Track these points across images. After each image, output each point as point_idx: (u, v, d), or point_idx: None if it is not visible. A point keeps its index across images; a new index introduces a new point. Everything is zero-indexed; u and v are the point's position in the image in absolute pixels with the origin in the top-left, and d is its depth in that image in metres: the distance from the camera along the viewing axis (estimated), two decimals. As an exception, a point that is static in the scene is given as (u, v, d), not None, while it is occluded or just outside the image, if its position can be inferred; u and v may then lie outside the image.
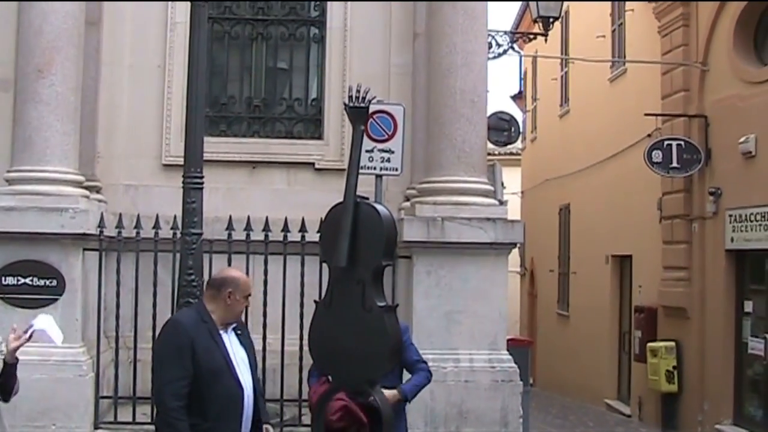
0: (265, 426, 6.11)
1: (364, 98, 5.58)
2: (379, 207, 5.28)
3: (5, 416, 6.47)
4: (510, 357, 10.07)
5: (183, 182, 6.74)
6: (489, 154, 11.64)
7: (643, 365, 17.25)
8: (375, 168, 9.92)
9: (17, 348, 5.79)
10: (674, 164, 16.12)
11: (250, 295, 5.96)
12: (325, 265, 6.47)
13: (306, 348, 8.34)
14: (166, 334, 5.94)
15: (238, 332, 6.04)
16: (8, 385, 5.85)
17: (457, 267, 9.93)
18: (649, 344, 16.96)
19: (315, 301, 5.53)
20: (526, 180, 29.21)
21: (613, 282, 20.47)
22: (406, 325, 6.90)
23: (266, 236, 9.92)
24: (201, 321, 5.85)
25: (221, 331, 5.91)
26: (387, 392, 5.83)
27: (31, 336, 5.73)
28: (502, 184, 12.62)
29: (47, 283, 9.74)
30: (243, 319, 7.04)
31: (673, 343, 16.61)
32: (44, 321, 6.28)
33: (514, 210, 18.50)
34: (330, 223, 5.36)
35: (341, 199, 5.52)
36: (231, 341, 5.94)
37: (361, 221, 5.17)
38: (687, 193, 16.57)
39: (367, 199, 5.37)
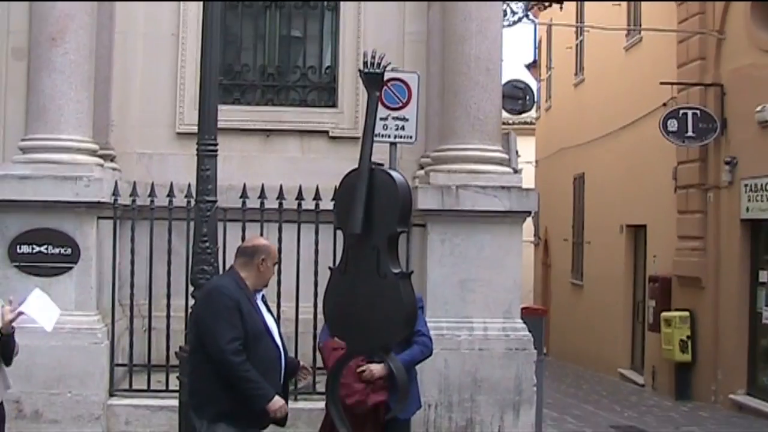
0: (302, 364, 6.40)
1: (379, 64, 5.55)
2: (394, 173, 5.25)
3: (9, 375, 6.53)
4: (524, 325, 10.07)
5: (197, 149, 6.73)
6: (503, 123, 11.58)
7: (657, 335, 17.24)
8: (389, 136, 9.90)
9: (12, 320, 5.85)
10: (690, 133, 16.05)
11: (277, 262, 6.11)
12: (339, 232, 6.46)
13: (320, 316, 8.37)
14: (212, 299, 5.96)
15: (264, 299, 6.16)
16: (7, 351, 5.92)
17: (471, 235, 9.91)
18: (663, 314, 16.95)
19: (330, 268, 5.53)
20: (540, 149, 29.12)
21: (627, 251, 20.44)
22: (419, 296, 6.89)
23: (280, 204, 9.91)
24: (239, 287, 5.92)
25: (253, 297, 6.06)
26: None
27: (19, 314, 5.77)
28: (517, 152, 12.56)
29: (62, 251, 9.76)
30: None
31: (687, 313, 16.59)
32: (35, 303, 6.29)
33: (528, 179, 18.49)
34: (345, 190, 5.34)
35: (355, 167, 5.49)
36: (261, 307, 6.08)
37: (376, 188, 5.15)
38: (702, 162, 16.50)
39: (382, 165, 5.35)
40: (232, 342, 5.78)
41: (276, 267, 6.06)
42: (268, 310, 6.18)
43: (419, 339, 6.72)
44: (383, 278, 5.07)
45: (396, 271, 5.07)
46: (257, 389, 5.81)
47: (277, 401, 5.85)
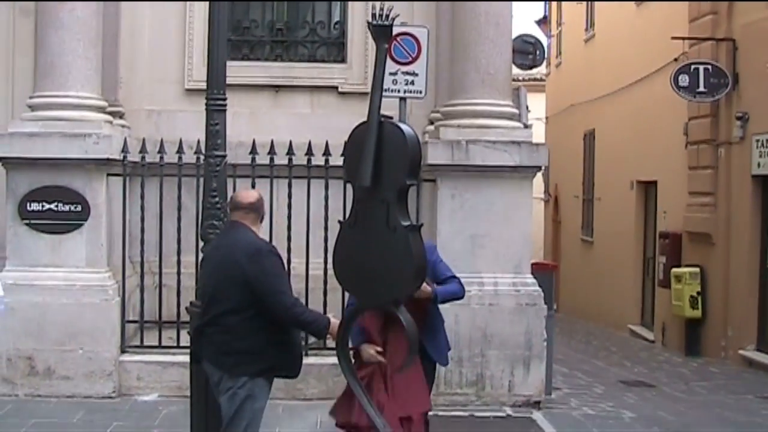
0: None
1: (387, 16, 5.50)
2: (403, 126, 5.22)
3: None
4: (534, 281, 10.08)
5: (206, 104, 6.69)
6: (514, 79, 11.52)
7: (667, 291, 17.23)
8: (399, 91, 9.87)
9: None
10: (701, 89, 15.95)
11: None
12: (349, 188, 6.43)
13: (330, 272, 8.37)
14: (264, 259, 5.94)
15: None
16: None
17: (481, 190, 9.90)
18: (674, 270, 16.93)
19: (339, 222, 5.50)
20: (550, 106, 29.01)
21: (637, 208, 20.39)
22: (433, 245, 6.89)
23: (290, 160, 9.89)
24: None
25: None
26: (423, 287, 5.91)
27: None
28: (527, 107, 12.52)
29: (72, 208, 9.79)
30: (268, 241, 7.06)
31: (697, 269, 16.57)
32: None
33: (538, 136, 18.37)
34: (354, 143, 5.31)
35: (365, 120, 5.46)
36: None
37: (385, 140, 5.12)
38: (713, 117, 16.41)
39: (391, 118, 5.32)
40: (293, 297, 5.95)
41: None
42: None
43: (456, 280, 6.73)
44: (393, 231, 5.05)
45: (406, 223, 5.04)
46: (320, 323, 6.00)
47: (335, 323, 6.01)
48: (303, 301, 9.46)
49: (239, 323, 5.86)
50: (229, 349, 5.90)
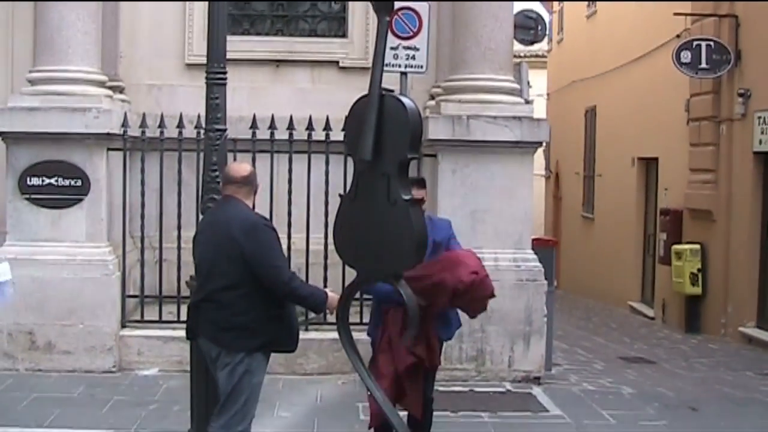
0: None
1: (389, -12, 5.45)
2: (404, 99, 5.19)
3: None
4: (535, 256, 10.07)
5: (206, 78, 6.66)
6: (515, 56, 11.49)
7: (668, 268, 17.24)
8: (400, 66, 9.84)
9: None
10: (703, 65, 15.90)
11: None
12: (350, 163, 6.41)
13: (331, 247, 8.36)
14: (261, 233, 5.89)
15: None
16: None
17: (482, 165, 9.88)
18: (674, 247, 16.93)
19: (340, 195, 5.48)
20: (552, 82, 28.93)
21: (638, 184, 20.37)
22: (448, 220, 7.00)
23: (290, 135, 9.88)
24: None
25: None
26: None
27: None
28: (528, 83, 12.49)
29: (72, 183, 9.78)
30: (268, 216, 7.04)
31: (698, 246, 16.57)
32: None
33: (539, 113, 18.36)
34: (355, 116, 5.28)
35: (366, 93, 5.43)
36: None
37: (387, 114, 5.09)
38: (715, 94, 16.36)
39: (393, 91, 5.28)
40: (285, 266, 5.94)
41: None
42: None
43: None
44: (393, 205, 5.04)
45: (406, 197, 5.03)
46: (317, 297, 5.98)
47: (332, 297, 6.01)
48: (303, 276, 9.50)
49: (236, 299, 5.84)
50: (226, 324, 5.88)
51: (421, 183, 6.61)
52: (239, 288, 5.82)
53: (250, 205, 6.00)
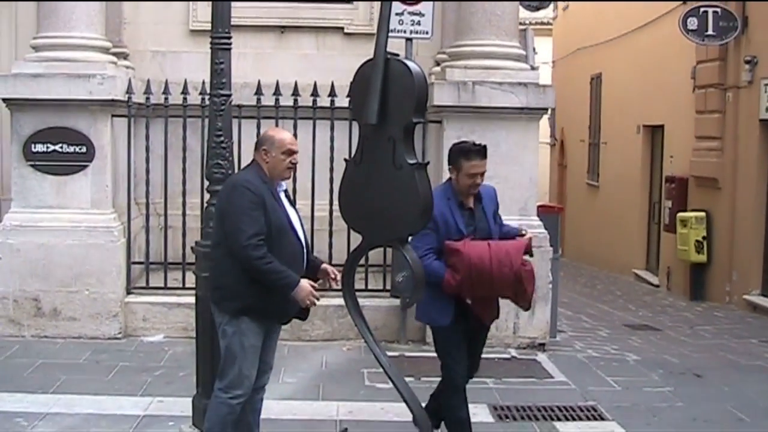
0: (323, 266, 6.20)
1: (394, -46, 5.42)
2: (409, 63, 5.16)
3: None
4: (540, 223, 10.06)
5: (211, 43, 6.61)
6: (520, 23, 11.41)
7: (673, 235, 17.21)
8: (405, 31, 9.79)
9: None
10: (710, 32, 15.81)
11: (292, 152, 5.84)
12: (354, 129, 6.37)
13: (336, 213, 8.36)
14: (236, 193, 5.80)
15: (287, 194, 6.06)
16: None
17: (487, 132, 9.83)
18: (679, 214, 16.90)
19: (345, 159, 5.46)
20: (557, 50, 28.79)
21: (644, 152, 20.31)
22: (494, 188, 6.55)
23: (295, 101, 9.85)
24: (262, 181, 5.84)
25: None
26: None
27: None
28: (534, 49, 12.42)
29: (76, 149, 9.76)
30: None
31: (703, 214, 16.54)
32: None
33: (545, 80, 18.24)
34: (360, 80, 5.25)
35: (371, 58, 5.41)
36: (284, 202, 5.96)
37: (392, 77, 5.07)
38: (722, 61, 16.27)
39: (398, 55, 5.26)
40: (253, 237, 5.70)
41: (290, 158, 5.85)
42: (291, 204, 6.05)
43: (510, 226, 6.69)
44: (399, 169, 5.02)
45: (412, 161, 5.01)
46: (282, 278, 5.74)
47: (304, 288, 5.75)
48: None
49: (220, 258, 5.88)
50: (216, 283, 5.95)
51: (483, 153, 6.21)
52: (220, 247, 5.86)
53: (265, 168, 5.89)
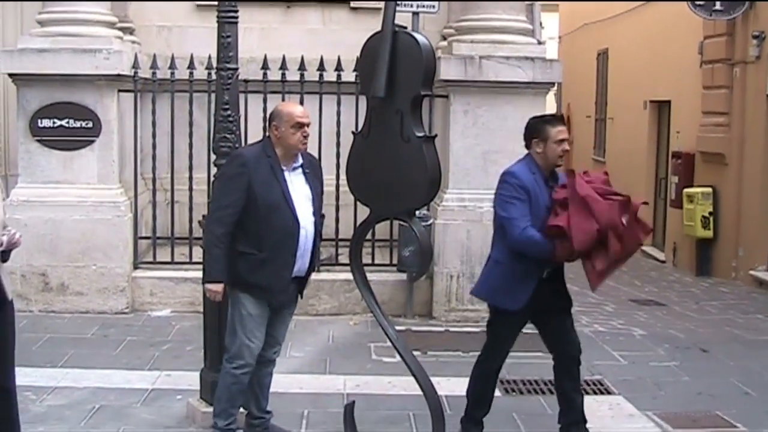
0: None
1: (401, -74, 5.40)
2: (417, 36, 5.14)
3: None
4: (547, 198, 10.04)
5: (217, 16, 6.58)
6: (527, -2, 11.40)
7: (679, 211, 17.17)
8: (412, 5, 9.77)
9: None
10: (717, 6, 15.68)
11: (302, 125, 5.83)
12: (361, 103, 6.35)
13: (342, 188, 8.36)
14: (226, 164, 6.00)
15: (306, 171, 6.02)
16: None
17: (494, 106, 9.84)
18: (686, 190, 16.85)
19: (353, 132, 5.45)
20: (564, 25, 28.66)
21: (650, 127, 20.23)
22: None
23: (302, 76, 9.84)
24: (265, 156, 5.86)
25: (284, 168, 5.91)
26: None
27: None
28: (541, 24, 12.38)
29: (83, 124, 9.77)
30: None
31: (709, 189, 16.48)
32: None
33: (551, 56, 18.19)
34: (368, 53, 5.23)
35: (378, 31, 5.39)
36: (293, 178, 5.94)
37: (400, 50, 5.05)
38: (729, 36, 16.17)
39: (405, 28, 5.24)
40: (221, 210, 5.80)
41: (300, 131, 5.84)
42: (309, 182, 6.01)
43: None
44: (407, 142, 5.01)
45: (420, 134, 5.00)
46: (211, 265, 5.88)
47: (212, 287, 5.88)
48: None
49: None
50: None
51: (562, 119, 6.17)
52: None
53: (275, 144, 5.89)
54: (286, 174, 5.92)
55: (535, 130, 6.10)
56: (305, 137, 5.89)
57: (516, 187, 5.86)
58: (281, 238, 5.83)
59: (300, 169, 5.99)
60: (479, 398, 6.34)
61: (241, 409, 6.25)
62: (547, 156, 6.04)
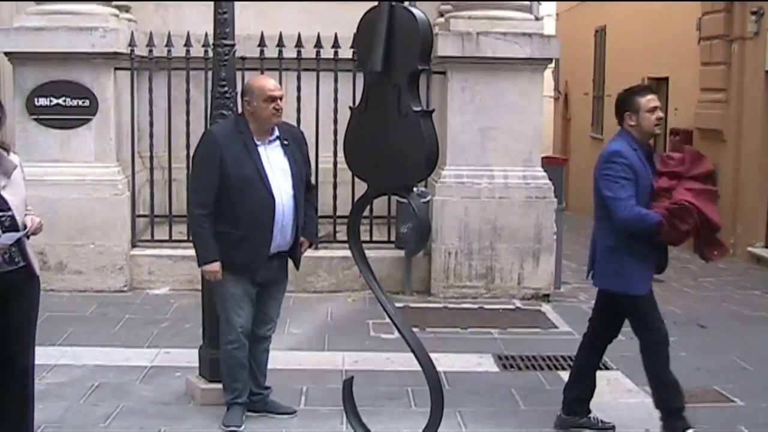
0: (301, 239, 6.18)
1: None
2: (414, 10, 5.11)
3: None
4: (544, 174, 10.06)
5: (213, -8, 6.59)
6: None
7: (677, 188, 17.16)
8: (408, -19, 9.72)
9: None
10: (716, -18, 15.68)
11: (274, 98, 5.84)
12: (358, 80, 6.32)
13: (340, 165, 8.35)
14: (199, 144, 6.01)
15: (285, 143, 6.01)
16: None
17: (492, 83, 9.83)
18: (684, 166, 16.84)
19: (350, 108, 5.43)
20: (561, 2, 28.60)
21: (648, 104, 20.19)
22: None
23: (299, 53, 9.82)
24: (237, 132, 5.86)
25: (258, 142, 5.90)
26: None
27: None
28: (538, 0, 12.34)
29: (80, 103, 9.76)
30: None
31: (708, 166, 16.46)
32: None
33: (549, 33, 18.14)
34: (364, 28, 5.20)
35: (375, 5, 5.36)
36: (269, 152, 5.92)
37: (397, 25, 5.01)
38: (728, 13, 16.13)
39: (402, 2, 5.22)
40: (200, 191, 5.84)
41: (272, 104, 5.86)
42: (287, 154, 5.98)
43: None
44: (404, 117, 4.98)
45: (417, 109, 4.97)
46: (201, 248, 5.90)
47: (209, 268, 5.89)
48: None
49: None
50: None
51: (649, 88, 6.12)
52: None
53: (248, 119, 5.89)
54: (261, 149, 5.91)
55: (625, 103, 6.11)
56: (278, 110, 5.90)
57: (625, 167, 5.86)
58: (257, 215, 5.83)
59: (277, 142, 5.98)
60: (671, 385, 6.21)
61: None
62: (642, 127, 6.02)
